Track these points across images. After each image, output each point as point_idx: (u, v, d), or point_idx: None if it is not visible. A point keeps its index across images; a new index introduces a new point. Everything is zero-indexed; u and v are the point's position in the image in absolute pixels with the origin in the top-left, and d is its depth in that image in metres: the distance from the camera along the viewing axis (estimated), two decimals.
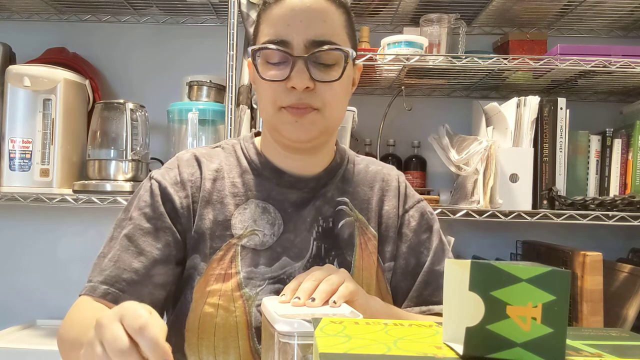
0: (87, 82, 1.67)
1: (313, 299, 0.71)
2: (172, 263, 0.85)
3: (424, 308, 0.91)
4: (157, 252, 0.83)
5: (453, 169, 1.54)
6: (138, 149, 1.58)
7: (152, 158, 1.69)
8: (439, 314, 0.89)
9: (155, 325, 0.54)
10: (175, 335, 0.85)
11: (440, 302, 0.91)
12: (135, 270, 0.82)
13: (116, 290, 0.80)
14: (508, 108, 1.53)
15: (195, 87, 1.65)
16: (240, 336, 0.82)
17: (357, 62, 0.92)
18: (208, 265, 0.85)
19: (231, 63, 1.48)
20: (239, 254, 0.85)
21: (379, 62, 1.48)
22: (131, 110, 1.57)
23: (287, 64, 0.81)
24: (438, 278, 0.92)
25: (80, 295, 0.82)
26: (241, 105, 1.50)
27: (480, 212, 1.45)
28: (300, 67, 0.80)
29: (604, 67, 1.45)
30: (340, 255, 0.89)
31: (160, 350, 0.53)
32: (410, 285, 0.92)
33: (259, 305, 0.81)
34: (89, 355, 0.56)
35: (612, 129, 1.60)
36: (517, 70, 1.55)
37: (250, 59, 0.85)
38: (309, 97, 0.81)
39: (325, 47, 0.80)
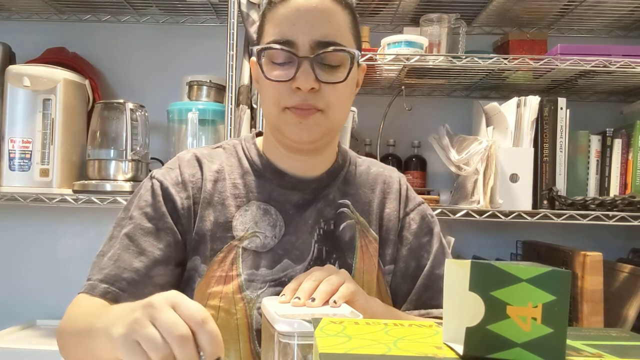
0: (87, 82, 1.67)
1: (313, 299, 0.71)
2: (172, 264, 0.85)
3: (422, 312, 0.91)
4: (158, 252, 0.83)
5: (453, 169, 1.54)
6: (138, 149, 1.58)
7: (152, 158, 1.68)
8: (438, 318, 0.88)
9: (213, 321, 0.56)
10: None
11: (439, 306, 0.91)
12: (136, 270, 0.81)
13: (116, 289, 0.80)
14: (508, 108, 1.53)
15: (195, 87, 1.65)
16: (241, 339, 0.82)
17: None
18: (209, 267, 0.84)
19: (231, 63, 1.48)
20: (240, 256, 0.85)
21: (379, 62, 1.48)
22: (131, 110, 1.57)
23: (292, 64, 0.80)
24: (438, 282, 0.92)
25: (79, 294, 0.82)
26: (241, 105, 1.50)
27: (481, 212, 1.45)
28: (306, 68, 0.79)
29: (604, 67, 1.45)
30: (341, 257, 0.88)
31: (218, 344, 0.54)
32: (410, 289, 0.92)
33: (260, 307, 0.81)
34: (130, 332, 0.56)
35: (612, 129, 1.60)
36: (517, 70, 1.55)
37: (254, 58, 0.84)
38: (313, 98, 0.81)
39: (331, 48, 0.79)
